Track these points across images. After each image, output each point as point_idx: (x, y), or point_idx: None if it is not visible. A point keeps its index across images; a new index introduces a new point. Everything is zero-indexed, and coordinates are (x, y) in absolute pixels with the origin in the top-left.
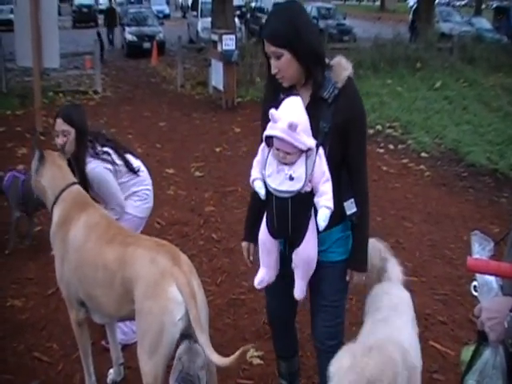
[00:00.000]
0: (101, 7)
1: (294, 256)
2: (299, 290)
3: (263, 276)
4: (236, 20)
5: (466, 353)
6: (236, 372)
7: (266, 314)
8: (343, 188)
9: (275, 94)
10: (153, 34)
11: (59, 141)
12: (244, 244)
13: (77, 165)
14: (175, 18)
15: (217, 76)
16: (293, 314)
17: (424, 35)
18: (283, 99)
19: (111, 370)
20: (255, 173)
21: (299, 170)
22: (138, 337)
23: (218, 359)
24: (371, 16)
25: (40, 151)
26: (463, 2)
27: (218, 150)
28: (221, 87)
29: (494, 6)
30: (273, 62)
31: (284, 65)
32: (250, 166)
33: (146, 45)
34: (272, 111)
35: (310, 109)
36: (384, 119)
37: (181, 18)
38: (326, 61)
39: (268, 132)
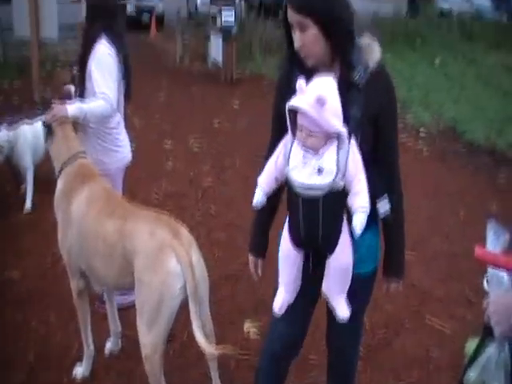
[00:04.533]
0: None
1: (326, 268)
2: (342, 308)
3: (283, 298)
4: None
5: (470, 345)
6: (233, 344)
7: (266, 345)
8: (376, 184)
9: (292, 76)
10: (152, 7)
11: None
12: (250, 258)
13: (86, 40)
14: None
15: (216, 50)
16: (300, 346)
17: (424, 12)
18: (303, 79)
19: (109, 341)
20: (261, 179)
21: (329, 160)
22: (137, 309)
23: (205, 346)
24: None
25: (47, 124)
26: None
27: (216, 123)
28: (220, 61)
29: None
30: (297, 34)
31: (310, 41)
32: (249, 140)
33: (145, 18)
34: (301, 82)
35: (339, 94)
36: None
37: None
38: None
39: (292, 103)
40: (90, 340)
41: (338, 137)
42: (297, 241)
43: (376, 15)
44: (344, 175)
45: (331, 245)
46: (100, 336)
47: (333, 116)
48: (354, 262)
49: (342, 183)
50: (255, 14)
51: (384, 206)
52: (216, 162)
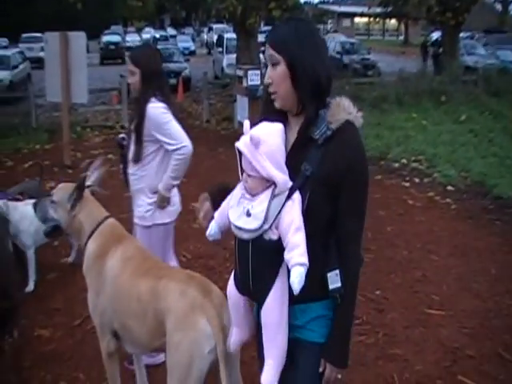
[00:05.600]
0: (128, 44)
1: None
2: (266, 374)
3: (235, 335)
4: (261, 56)
5: None
6: None
7: None
8: (329, 254)
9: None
10: (179, 71)
11: (129, 80)
12: (201, 196)
13: (140, 104)
14: (201, 54)
15: (242, 111)
16: None
17: (449, 68)
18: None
19: None
20: (216, 212)
21: (259, 206)
22: (167, 369)
23: None
24: (395, 50)
25: (80, 189)
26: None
27: None
28: None
29: None
30: (268, 69)
31: (278, 77)
32: None
33: (172, 81)
34: (245, 122)
35: (295, 148)
36: (409, 153)
37: (206, 55)
38: (328, 100)
39: (236, 144)
40: None
41: (274, 186)
42: (236, 282)
43: (402, 71)
44: (277, 227)
45: (262, 295)
46: None
47: (267, 160)
48: (292, 326)
49: (273, 235)
50: None
51: (333, 282)
52: None
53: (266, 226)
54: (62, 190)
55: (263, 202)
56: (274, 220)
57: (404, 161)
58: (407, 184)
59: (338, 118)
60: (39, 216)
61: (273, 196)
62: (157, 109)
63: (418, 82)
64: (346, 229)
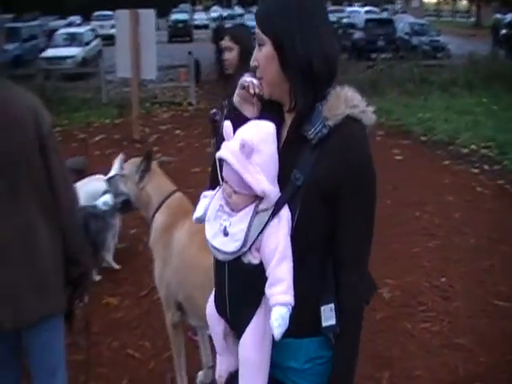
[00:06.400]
0: (196, 23)
1: None
2: None
3: (220, 367)
4: None
5: None
6: None
7: None
8: (326, 283)
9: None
10: None
11: (225, 56)
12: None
13: (235, 80)
14: None
15: None
16: None
17: None
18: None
19: (200, 372)
20: (208, 192)
21: (238, 225)
22: None
23: None
24: (465, 32)
25: (147, 160)
26: None
27: None
28: None
29: None
30: (255, 51)
31: (263, 59)
32: None
33: None
34: (226, 124)
35: (284, 150)
36: (478, 138)
37: None
38: (327, 91)
39: (218, 153)
40: (184, 372)
41: (259, 201)
42: (215, 302)
43: (472, 54)
44: (258, 249)
45: (240, 327)
46: (192, 365)
47: (261, 173)
48: (287, 369)
49: (254, 259)
50: (347, 55)
51: (327, 318)
52: None
53: (245, 249)
54: (130, 164)
55: (243, 219)
56: (255, 241)
57: (473, 147)
58: (476, 170)
59: (336, 112)
60: (112, 191)
61: (255, 213)
62: None
63: (489, 66)
64: (349, 253)
